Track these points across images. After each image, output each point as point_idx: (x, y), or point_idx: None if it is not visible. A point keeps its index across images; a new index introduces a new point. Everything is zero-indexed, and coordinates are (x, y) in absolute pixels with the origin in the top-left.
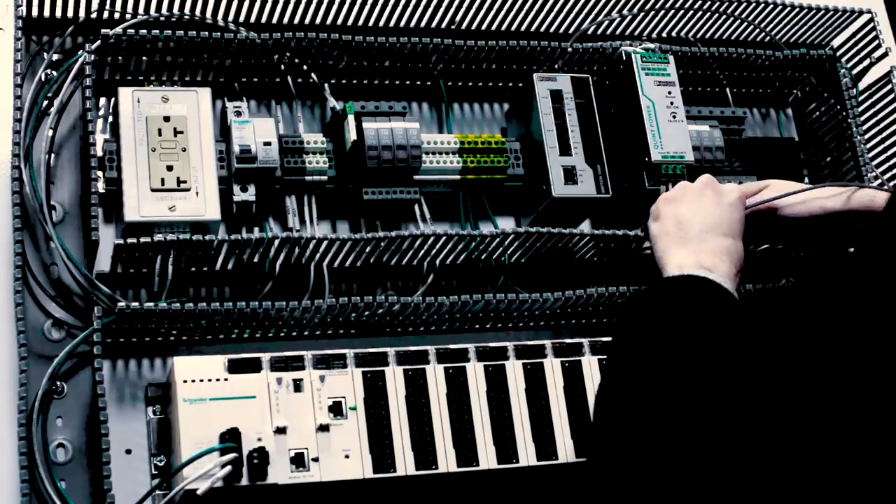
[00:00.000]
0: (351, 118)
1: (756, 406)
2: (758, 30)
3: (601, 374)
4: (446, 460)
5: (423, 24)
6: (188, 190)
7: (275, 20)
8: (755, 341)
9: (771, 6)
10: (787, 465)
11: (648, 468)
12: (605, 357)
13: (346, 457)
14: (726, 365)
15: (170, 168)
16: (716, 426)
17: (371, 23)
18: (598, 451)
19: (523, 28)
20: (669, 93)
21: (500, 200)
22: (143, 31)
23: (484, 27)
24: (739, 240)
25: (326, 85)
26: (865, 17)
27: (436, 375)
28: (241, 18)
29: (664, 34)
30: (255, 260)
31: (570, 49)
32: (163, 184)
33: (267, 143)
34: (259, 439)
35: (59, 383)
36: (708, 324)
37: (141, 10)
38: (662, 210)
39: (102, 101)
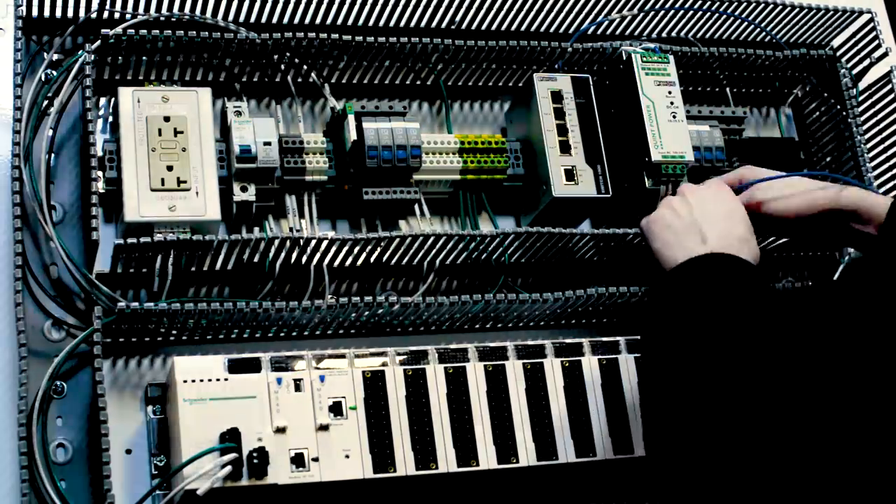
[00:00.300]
0: (351, 118)
1: (801, 383)
2: (758, 29)
3: (642, 360)
4: (446, 460)
5: (423, 24)
6: (188, 190)
7: (275, 20)
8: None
9: (771, 6)
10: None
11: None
12: (603, 357)
13: (346, 457)
14: (771, 340)
15: (170, 168)
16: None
17: (371, 23)
18: (654, 435)
19: (523, 28)
20: (669, 93)
21: (500, 200)
22: (143, 31)
23: (484, 27)
24: (754, 236)
25: (326, 85)
26: (865, 17)
27: (436, 375)
28: (241, 18)
29: (664, 34)
30: (255, 260)
31: (570, 49)
32: (163, 184)
33: (267, 143)
34: (259, 439)
35: (59, 383)
36: (747, 300)
37: (141, 10)
38: (673, 202)
39: (102, 101)
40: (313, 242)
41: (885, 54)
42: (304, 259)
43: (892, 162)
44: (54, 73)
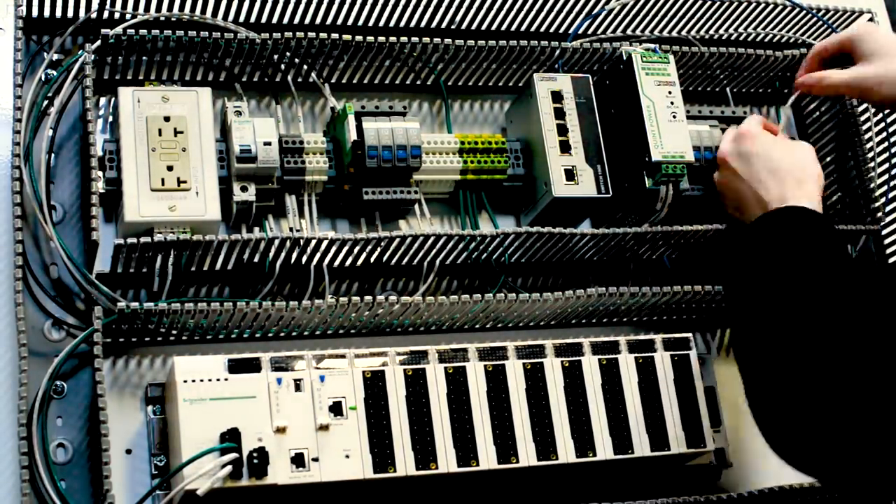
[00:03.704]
0: (351, 118)
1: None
2: (760, 26)
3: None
4: (446, 460)
5: (423, 24)
6: (188, 190)
7: (275, 20)
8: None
9: (771, 6)
10: None
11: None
12: (603, 357)
13: (346, 457)
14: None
15: (170, 168)
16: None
17: (371, 23)
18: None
19: (523, 28)
20: (669, 93)
21: (500, 200)
22: (143, 31)
23: (484, 27)
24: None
25: (326, 85)
26: (865, 18)
27: (436, 375)
28: (241, 18)
29: (664, 34)
30: (255, 260)
31: (570, 49)
32: (163, 184)
33: (267, 143)
34: (259, 439)
35: (59, 383)
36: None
37: (141, 10)
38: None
39: (102, 101)
40: (313, 242)
41: None
42: (304, 259)
43: (892, 161)
44: (54, 73)
